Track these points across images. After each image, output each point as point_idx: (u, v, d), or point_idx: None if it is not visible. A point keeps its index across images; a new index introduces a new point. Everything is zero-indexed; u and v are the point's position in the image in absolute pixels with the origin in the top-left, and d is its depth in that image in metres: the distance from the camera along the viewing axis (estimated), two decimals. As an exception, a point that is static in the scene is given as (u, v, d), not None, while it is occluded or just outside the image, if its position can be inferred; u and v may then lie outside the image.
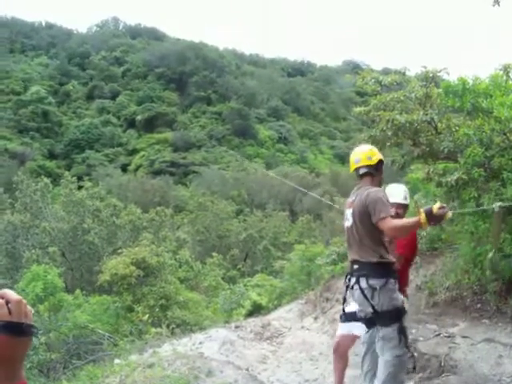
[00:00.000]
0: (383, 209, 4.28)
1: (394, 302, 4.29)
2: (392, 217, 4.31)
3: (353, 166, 4.71)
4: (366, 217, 4.36)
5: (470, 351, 5.72)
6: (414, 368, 4.86)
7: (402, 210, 5.10)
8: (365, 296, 4.33)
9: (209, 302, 26.33)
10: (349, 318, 4.92)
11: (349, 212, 4.57)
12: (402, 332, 4.31)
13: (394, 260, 4.45)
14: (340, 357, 5.26)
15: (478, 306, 6.83)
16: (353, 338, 5.18)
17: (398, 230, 4.31)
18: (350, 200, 4.66)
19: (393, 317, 4.31)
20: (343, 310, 4.96)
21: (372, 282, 4.28)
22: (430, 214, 3.92)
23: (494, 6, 5.51)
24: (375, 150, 4.79)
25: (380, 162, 4.68)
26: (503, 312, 6.42)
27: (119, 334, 15.26)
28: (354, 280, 4.44)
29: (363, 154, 4.68)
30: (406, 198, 5.18)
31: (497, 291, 6.71)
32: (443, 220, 4.14)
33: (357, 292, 4.40)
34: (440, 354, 5.23)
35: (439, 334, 5.44)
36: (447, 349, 5.69)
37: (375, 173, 4.64)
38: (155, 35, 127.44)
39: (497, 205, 5.99)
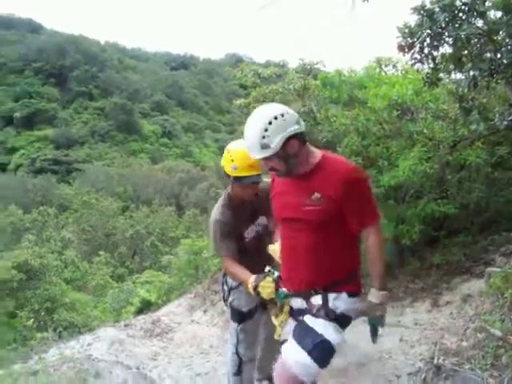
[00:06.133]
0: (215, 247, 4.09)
1: (239, 302, 4.23)
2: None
3: None
4: None
5: (354, 333, 5.92)
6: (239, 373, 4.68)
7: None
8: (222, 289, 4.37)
9: (97, 301, 25.84)
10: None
11: None
12: (238, 335, 4.29)
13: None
14: None
15: (361, 288, 7.09)
16: None
17: (228, 272, 4.05)
18: None
19: (235, 316, 4.31)
20: None
21: (229, 280, 4.25)
22: (255, 288, 3.42)
23: (363, 1, 5.69)
24: (232, 158, 3.76)
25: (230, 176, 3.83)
26: (383, 294, 6.70)
27: (1, 342, 14.65)
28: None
29: (224, 157, 3.86)
30: (262, 147, 2.96)
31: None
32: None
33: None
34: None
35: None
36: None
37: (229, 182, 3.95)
38: (31, 27, 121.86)
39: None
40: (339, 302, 3.16)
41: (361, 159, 6.68)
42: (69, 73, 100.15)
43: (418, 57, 4.97)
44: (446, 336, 5.06)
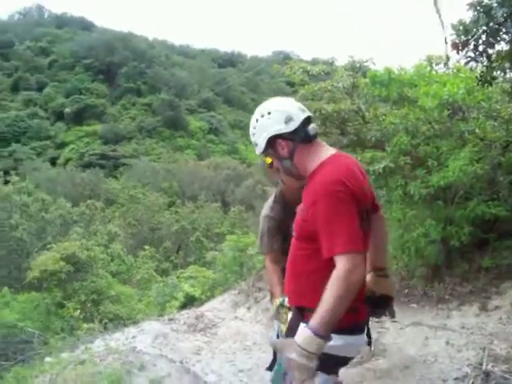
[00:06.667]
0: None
1: None
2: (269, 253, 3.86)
3: None
4: None
5: (399, 335, 5.86)
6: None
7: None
8: None
9: (142, 295, 26.14)
10: None
11: None
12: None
13: None
14: None
15: (406, 291, 6.98)
16: None
17: (267, 274, 3.97)
18: None
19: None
20: None
21: None
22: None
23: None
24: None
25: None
26: (429, 296, 6.58)
27: (50, 331, 14.96)
28: None
29: None
30: (254, 145, 2.93)
31: (423, 276, 6.88)
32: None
33: None
34: (370, 340, 5.34)
35: (370, 320, 5.54)
36: (377, 334, 5.79)
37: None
38: (82, 25, 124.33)
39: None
40: None
41: (409, 159, 6.59)
42: (117, 69, 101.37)
43: (472, 55, 4.85)
44: (495, 342, 4.94)
